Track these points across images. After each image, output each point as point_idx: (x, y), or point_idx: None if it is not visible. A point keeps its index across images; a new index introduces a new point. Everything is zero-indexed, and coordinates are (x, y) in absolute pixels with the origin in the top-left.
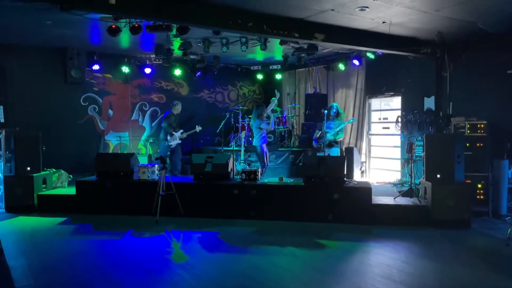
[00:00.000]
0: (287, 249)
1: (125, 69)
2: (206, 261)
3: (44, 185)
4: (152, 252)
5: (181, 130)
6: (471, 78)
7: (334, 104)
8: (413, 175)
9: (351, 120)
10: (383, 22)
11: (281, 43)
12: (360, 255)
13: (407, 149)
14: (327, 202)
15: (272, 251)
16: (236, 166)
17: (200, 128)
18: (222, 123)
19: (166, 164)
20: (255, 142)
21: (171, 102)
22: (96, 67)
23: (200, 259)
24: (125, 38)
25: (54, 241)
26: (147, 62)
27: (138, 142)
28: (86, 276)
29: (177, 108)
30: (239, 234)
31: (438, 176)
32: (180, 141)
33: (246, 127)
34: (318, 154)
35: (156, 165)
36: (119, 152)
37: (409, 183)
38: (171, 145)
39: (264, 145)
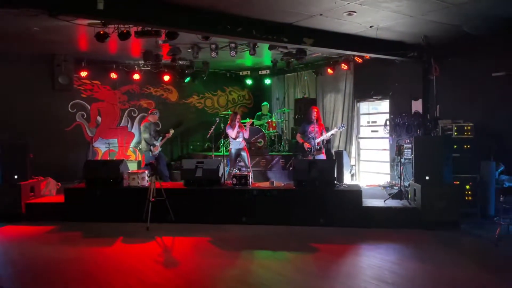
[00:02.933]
0: (279, 253)
1: (114, 75)
2: (198, 267)
3: (32, 193)
4: (143, 259)
5: (160, 138)
6: (457, 81)
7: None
8: (402, 177)
9: (341, 127)
10: (371, 27)
11: (270, 48)
12: (352, 258)
13: (396, 151)
14: (318, 206)
15: (264, 255)
16: (227, 171)
17: (173, 131)
18: (212, 129)
19: (156, 170)
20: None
21: (158, 111)
22: (84, 73)
23: (192, 265)
24: (113, 44)
25: (43, 249)
26: (136, 68)
27: (128, 149)
28: (76, 284)
29: (154, 117)
30: (231, 239)
31: (427, 178)
32: (161, 149)
33: None
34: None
35: (146, 172)
36: (108, 159)
37: (399, 185)
38: (155, 155)
39: (232, 149)
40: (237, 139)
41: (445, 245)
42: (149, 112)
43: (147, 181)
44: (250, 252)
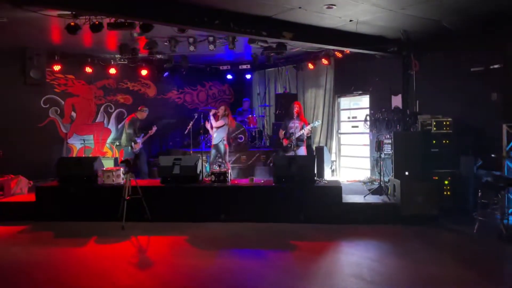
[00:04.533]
0: (259, 251)
1: (89, 70)
2: (174, 268)
3: (1, 192)
4: (116, 261)
5: (142, 134)
6: (436, 76)
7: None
8: (382, 173)
9: (317, 123)
10: (350, 21)
11: (250, 42)
12: (331, 255)
13: (376, 147)
14: (298, 202)
15: (243, 254)
16: (206, 167)
17: (155, 128)
18: (190, 124)
19: (131, 167)
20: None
21: (138, 106)
22: (57, 67)
23: (168, 266)
24: (87, 37)
25: (11, 251)
26: (112, 62)
27: (104, 145)
28: None
29: (143, 114)
30: (209, 238)
31: (406, 173)
32: (142, 145)
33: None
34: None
35: (121, 169)
36: (84, 156)
37: (379, 181)
38: (135, 151)
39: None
40: (216, 133)
41: (424, 240)
42: (139, 108)
43: (123, 179)
44: (228, 251)
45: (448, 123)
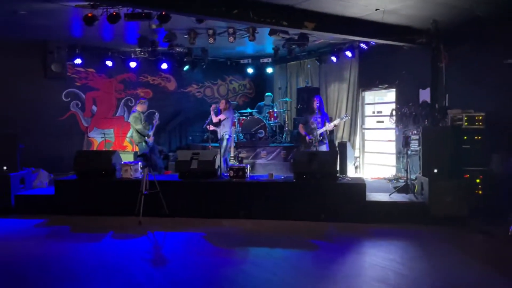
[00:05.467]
0: (276, 251)
1: (109, 63)
2: (188, 266)
3: (22, 185)
4: (132, 256)
5: (151, 126)
6: (468, 69)
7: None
8: (409, 170)
9: (345, 117)
10: (376, 9)
11: (270, 33)
12: (353, 257)
13: (403, 143)
14: (319, 200)
15: (260, 253)
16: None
17: (158, 114)
18: (209, 119)
19: (149, 162)
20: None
21: (159, 100)
22: (78, 61)
23: (182, 264)
24: (107, 30)
25: (29, 245)
26: (132, 56)
27: (124, 139)
28: (56, 284)
29: (144, 107)
30: (226, 235)
31: (436, 171)
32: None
33: (236, 122)
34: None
35: (139, 163)
36: (104, 149)
37: (405, 178)
38: (150, 145)
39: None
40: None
41: (453, 243)
42: (137, 101)
43: (141, 173)
44: (245, 249)
45: (480, 118)
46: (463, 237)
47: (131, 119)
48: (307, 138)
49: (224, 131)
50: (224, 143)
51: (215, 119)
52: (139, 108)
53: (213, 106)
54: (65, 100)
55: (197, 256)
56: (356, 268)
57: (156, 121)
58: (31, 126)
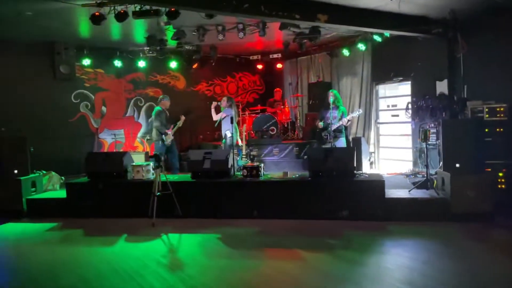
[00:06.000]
0: (294, 252)
1: (118, 63)
2: (205, 270)
3: (33, 189)
4: (146, 261)
5: (172, 125)
6: (487, 59)
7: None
8: (428, 165)
9: (358, 112)
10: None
11: (281, 27)
12: (376, 257)
13: (421, 137)
14: (336, 198)
15: (277, 255)
16: (238, 161)
17: (184, 117)
18: (220, 117)
19: (161, 162)
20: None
21: (157, 98)
22: (86, 61)
23: (198, 267)
24: (115, 29)
25: (40, 250)
26: (141, 55)
27: (135, 139)
28: None
29: (165, 103)
30: (241, 236)
31: (457, 165)
32: (173, 138)
33: (234, 119)
34: (323, 146)
35: (151, 164)
36: (115, 150)
37: (424, 173)
38: (167, 144)
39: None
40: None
41: (479, 240)
42: (160, 98)
43: (152, 174)
44: (262, 251)
45: (502, 109)
46: (488, 233)
47: (153, 116)
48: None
49: (226, 129)
50: (227, 141)
51: (215, 117)
52: (161, 105)
53: (214, 103)
54: (74, 101)
55: (214, 259)
56: (381, 269)
57: (181, 122)
58: (41, 129)
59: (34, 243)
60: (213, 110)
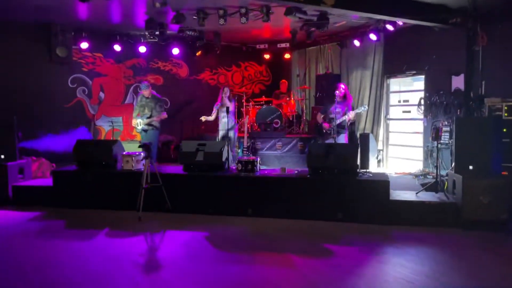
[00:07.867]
0: (285, 257)
1: (117, 48)
2: (184, 275)
3: (21, 175)
4: (122, 261)
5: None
6: (508, 53)
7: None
8: (438, 165)
9: (363, 108)
10: None
11: (286, 13)
12: (375, 267)
13: (433, 135)
14: (336, 198)
15: (268, 260)
16: (239, 154)
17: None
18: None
19: (150, 153)
20: None
21: (169, 88)
22: (84, 45)
23: (178, 271)
24: (114, 11)
25: (16, 242)
26: (142, 40)
27: (133, 128)
28: None
29: (146, 92)
30: (231, 236)
31: (471, 167)
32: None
33: (251, 112)
34: (326, 141)
35: (141, 154)
36: (112, 138)
37: (435, 175)
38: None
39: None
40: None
41: (492, 251)
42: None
43: (143, 165)
44: (251, 255)
45: None
46: (503, 244)
47: (150, 103)
48: (324, 125)
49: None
50: (231, 134)
51: (227, 104)
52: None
53: (227, 90)
54: (71, 86)
55: (197, 263)
56: (379, 282)
57: (161, 112)
58: (35, 114)
59: (12, 234)
60: (225, 96)
